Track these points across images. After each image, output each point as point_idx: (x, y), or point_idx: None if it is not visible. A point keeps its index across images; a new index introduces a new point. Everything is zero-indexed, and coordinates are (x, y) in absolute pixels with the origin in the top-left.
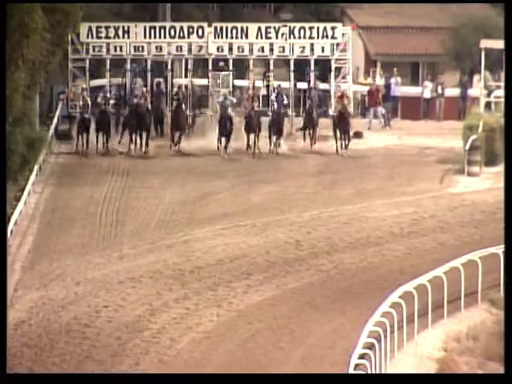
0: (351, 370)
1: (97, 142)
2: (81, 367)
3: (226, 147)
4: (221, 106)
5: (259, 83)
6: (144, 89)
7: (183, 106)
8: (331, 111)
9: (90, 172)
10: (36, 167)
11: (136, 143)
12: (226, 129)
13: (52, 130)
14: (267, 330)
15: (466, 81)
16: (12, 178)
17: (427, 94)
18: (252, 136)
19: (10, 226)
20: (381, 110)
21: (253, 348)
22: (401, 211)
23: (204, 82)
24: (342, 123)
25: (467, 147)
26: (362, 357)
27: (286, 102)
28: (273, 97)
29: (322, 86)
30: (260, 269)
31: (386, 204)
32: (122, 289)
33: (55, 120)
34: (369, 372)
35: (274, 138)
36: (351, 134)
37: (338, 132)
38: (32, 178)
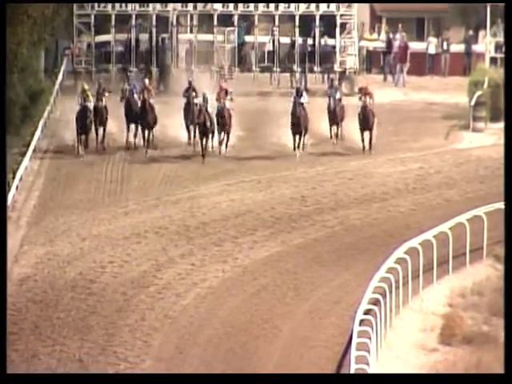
0: (356, 326)
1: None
2: (86, 322)
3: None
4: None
5: (265, 39)
6: (147, 81)
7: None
8: (336, 67)
9: None
10: (41, 122)
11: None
12: (206, 128)
13: (57, 86)
14: (273, 285)
15: (472, 36)
16: (14, 131)
17: (432, 50)
18: None
19: (16, 182)
20: (402, 66)
21: (258, 303)
22: (406, 167)
23: (209, 37)
24: (364, 121)
25: (472, 103)
26: (367, 312)
27: (305, 100)
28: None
29: (329, 41)
30: (265, 224)
31: (392, 160)
32: (127, 244)
33: (60, 75)
34: (374, 327)
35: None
36: (356, 90)
37: (360, 129)
38: (37, 133)
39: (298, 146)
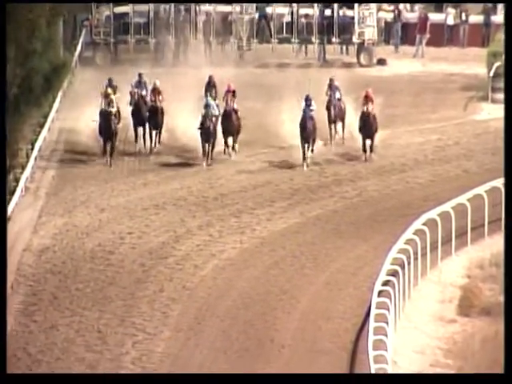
0: (375, 297)
1: None
2: (105, 293)
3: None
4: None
5: (283, 10)
6: (158, 82)
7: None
8: (354, 38)
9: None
10: (60, 94)
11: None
12: (209, 137)
13: (76, 57)
14: (291, 256)
15: (490, 8)
16: (36, 103)
17: (451, 21)
18: None
19: (34, 153)
20: (421, 38)
21: (276, 275)
22: (425, 138)
23: (228, 8)
24: (366, 126)
25: (491, 74)
26: (385, 284)
27: (314, 108)
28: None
29: (348, 12)
30: (284, 196)
31: (410, 131)
32: (145, 215)
33: (79, 47)
34: (392, 299)
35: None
36: (374, 61)
37: (361, 136)
38: (56, 104)
39: (305, 157)
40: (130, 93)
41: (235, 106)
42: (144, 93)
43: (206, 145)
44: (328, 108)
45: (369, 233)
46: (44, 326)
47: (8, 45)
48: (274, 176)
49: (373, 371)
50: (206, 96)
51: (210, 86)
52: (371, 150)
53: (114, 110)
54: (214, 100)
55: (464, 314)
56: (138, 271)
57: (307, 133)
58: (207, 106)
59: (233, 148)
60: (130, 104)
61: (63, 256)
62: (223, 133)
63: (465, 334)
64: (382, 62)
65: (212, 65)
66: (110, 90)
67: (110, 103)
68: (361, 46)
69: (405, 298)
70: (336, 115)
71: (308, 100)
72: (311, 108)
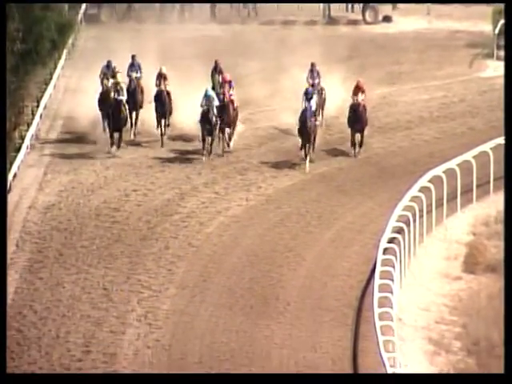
0: (380, 254)
1: None
2: (110, 250)
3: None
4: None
5: None
6: (164, 68)
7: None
8: None
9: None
10: (65, 51)
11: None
12: (211, 130)
13: (81, 15)
14: (296, 214)
15: None
16: (41, 62)
17: None
18: None
19: (40, 110)
20: None
21: (281, 232)
22: (430, 95)
23: None
24: (355, 120)
25: (496, 31)
26: (391, 241)
27: (315, 105)
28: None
29: None
30: (289, 154)
31: (416, 88)
32: (151, 173)
33: (83, 5)
34: (398, 256)
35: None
36: (380, 18)
37: (350, 129)
38: (61, 61)
39: (308, 156)
40: (128, 76)
41: (232, 97)
42: (138, 75)
43: (208, 138)
44: (306, 93)
45: (374, 190)
46: (50, 283)
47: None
48: (278, 133)
49: (378, 328)
50: (214, 84)
51: (216, 71)
52: (360, 145)
53: (124, 98)
54: (220, 86)
55: (469, 271)
56: (144, 228)
57: (307, 132)
58: (207, 97)
59: (229, 139)
60: (128, 89)
61: (68, 213)
62: (220, 124)
63: (470, 291)
64: (387, 19)
65: (217, 22)
66: (119, 78)
67: (119, 91)
68: (366, 4)
69: (410, 255)
70: (318, 105)
71: (308, 93)
72: (312, 105)
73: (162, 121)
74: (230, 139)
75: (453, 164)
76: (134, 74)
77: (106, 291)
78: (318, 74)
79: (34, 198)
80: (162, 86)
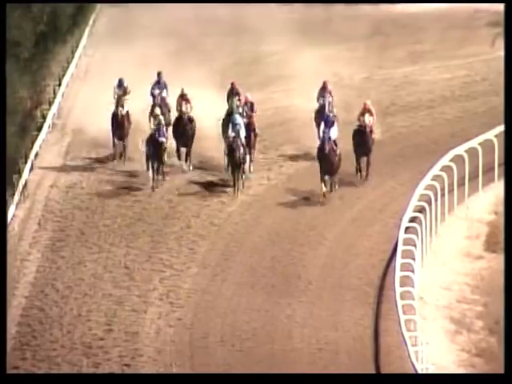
0: (402, 234)
1: None
2: (132, 229)
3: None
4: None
5: None
6: (184, 89)
7: None
8: None
9: (141, 33)
10: (87, 30)
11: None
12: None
13: None
14: (317, 193)
15: None
16: (62, 39)
17: None
18: None
19: (62, 89)
20: None
21: (303, 211)
22: (452, 74)
23: None
24: (361, 143)
25: None
26: (412, 220)
27: (336, 134)
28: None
29: None
30: (310, 133)
31: (438, 67)
32: (172, 151)
33: None
34: (419, 235)
35: None
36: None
37: (355, 153)
38: (83, 40)
39: (330, 188)
40: (152, 94)
41: (255, 122)
42: (164, 94)
43: (236, 173)
44: (318, 111)
45: (396, 169)
46: (71, 261)
47: None
48: (300, 113)
49: (400, 307)
50: (232, 108)
51: (233, 93)
52: (367, 170)
53: (164, 139)
54: (238, 109)
55: (491, 250)
56: (165, 207)
57: (330, 166)
58: (235, 125)
59: (249, 167)
60: (153, 108)
61: (90, 192)
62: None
63: (491, 270)
64: None
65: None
66: (158, 110)
67: (160, 129)
68: None
69: (432, 234)
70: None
71: (328, 121)
72: (331, 135)
73: (181, 148)
74: (249, 167)
75: (475, 143)
76: (157, 92)
77: (127, 270)
78: (330, 93)
79: (55, 177)
80: (184, 109)
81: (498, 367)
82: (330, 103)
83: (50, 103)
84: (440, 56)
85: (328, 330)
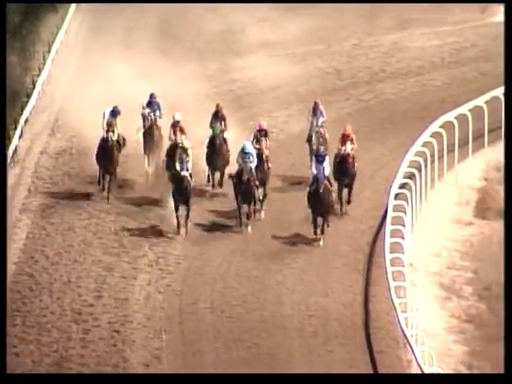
0: (392, 200)
1: None
2: (122, 195)
3: None
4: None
5: None
6: (178, 115)
7: None
8: None
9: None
10: None
11: None
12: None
13: None
14: (307, 159)
15: None
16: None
17: None
18: None
19: (52, 55)
20: None
21: (293, 176)
22: (442, 41)
23: None
24: (342, 173)
25: None
26: (402, 186)
27: (327, 170)
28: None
29: None
30: (300, 98)
31: (427, 34)
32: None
33: None
34: (409, 201)
35: None
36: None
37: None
38: (72, 6)
39: (322, 231)
40: (142, 115)
41: (266, 152)
42: (158, 114)
43: (245, 206)
44: (309, 139)
45: (385, 135)
46: (61, 228)
47: None
48: (290, 78)
49: (389, 274)
50: (214, 126)
51: (218, 117)
52: (348, 202)
53: (187, 173)
54: (255, 139)
55: (481, 216)
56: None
57: (321, 202)
58: (246, 154)
59: (261, 202)
60: (144, 128)
61: (80, 159)
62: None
63: (481, 237)
64: None
65: None
66: (178, 117)
67: (183, 161)
68: None
69: (421, 200)
70: (319, 144)
71: (320, 156)
72: (325, 173)
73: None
74: (263, 199)
75: (464, 109)
76: (146, 111)
77: (117, 236)
78: (321, 113)
79: (45, 144)
80: (178, 140)
81: (488, 333)
82: (319, 125)
83: (40, 70)
84: (429, 22)
85: (318, 297)
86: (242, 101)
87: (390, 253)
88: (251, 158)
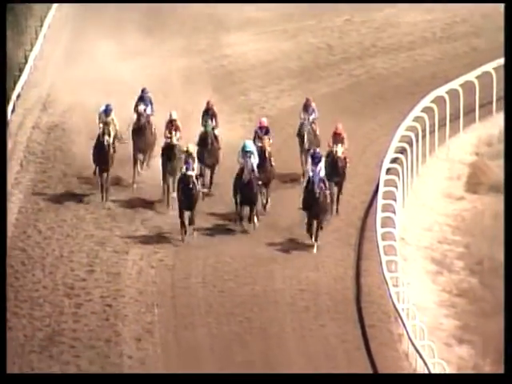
0: (383, 175)
1: None
2: (114, 169)
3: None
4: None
5: None
6: (174, 113)
7: None
8: None
9: None
10: None
11: None
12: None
13: None
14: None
15: None
16: None
17: None
18: None
19: (44, 30)
20: None
21: (281, 151)
22: (433, 16)
23: None
24: (333, 172)
25: None
26: (393, 161)
27: (323, 172)
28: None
29: None
30: (292, 74)
31: (418, 9)
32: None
33: None
34: (400, 176)
35: None
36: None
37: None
38: None
39: (316, 237)
40: (137, 112)
41: (269, 149)
42: (149, 111)
43: (246, 208)
44: (300, 134)
45: (376, 110)
46: (53, 202)
47: None
48: (282, 54)
49: (381, 248)
50: (206, 124)
51: (208, 114)
52: (337, 201)
53: (193, 173)
54: (256, 136)
55: (472, 190)
56: None
57: (316, 205)
58: (246, 152)
59: (266, 201)
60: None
61: (72, 134)
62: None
63: (473, 211)
64: None
65: None
66: (191, 148)
67: (188, 162)
68: None
69: (413, 175)
70: (310, 142)
71: (316, 157)
72: (321, 175)
73: (170, 179)
74: (266, 199)
75: (455, 84)
76: (142, 108)
77: (109, 211)
78: (313, 110)
79: (37, 118)
80: (174, 139)
81: (479, 308)
82: (314, 120)
83: (32, 45)
84: None
85: (309, 271)
86: (233, 76)
87: (382, 227)
88: (252, 156)
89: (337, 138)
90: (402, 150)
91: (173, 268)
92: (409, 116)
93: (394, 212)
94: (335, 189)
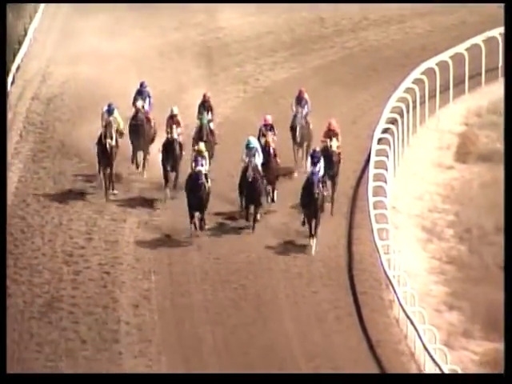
0: (374, 145)
1: None
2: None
3: None
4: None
5: None
6: (175, 109)
7: None
8: None
9: None
10: None
11: None
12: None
13: None
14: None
15: None
16: None
17: None
18: None
19: (43, 4)
20: None
21: (277, 122)
22: None
23: None
24: (327, 167)
25: None
26: (384, 131)
27: (322, 171)
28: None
29: None
30: (285, 46)
31: None
32: (150, 64)
33: None
34: (391, 146)
35: None
36: None
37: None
38: None
39: (315, 234)
40: (134, 105)
41: (273, 146)
42: (147, 107)
43: (251, 206)
44: (293, 127)
45: (368, 82)
46: (52, 172)
47: None
48: (275, 26)
49: (372, 217)
50: (201, 116)
51: (205, 107)
52: (332, 198)
53: (204, 168)
54: (260, 134)
55: (461, 160)
56: None
57: (314, 204)
58: (250, 149)
59: (272, 197)
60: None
61: (71, 104)
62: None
63: (462, 180)
64: None
65: None
66: (202, 147)
67: (197, 160)
68: None
69: (404, 145)
70: (303, 136)
71: (315, 157)
72: (320, 173)
73: (171, 175)
74: (272, 197)
75: (445, 56)
76: (140, 104)
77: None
78: (306, 102)
79: (36, 90)
80: (174, 135)
81: (468, 275)
82: (304, 115)
83: (31, 17)
84: None
85: (302, 240)
86: (228, 48)
87: (373, 196)
88: (257, 153)
89: (330, 133)
90: (393, 121)
91: (169, 236)
92: (400, 87)
93: (386, 181)
94: (329, 182)
